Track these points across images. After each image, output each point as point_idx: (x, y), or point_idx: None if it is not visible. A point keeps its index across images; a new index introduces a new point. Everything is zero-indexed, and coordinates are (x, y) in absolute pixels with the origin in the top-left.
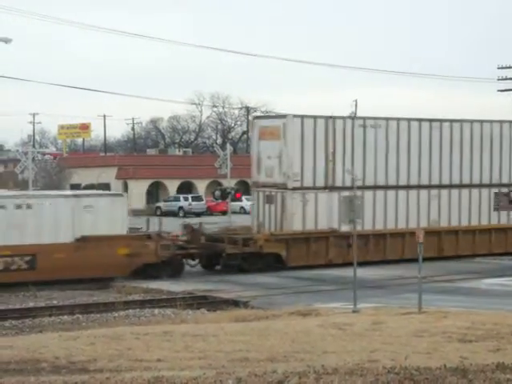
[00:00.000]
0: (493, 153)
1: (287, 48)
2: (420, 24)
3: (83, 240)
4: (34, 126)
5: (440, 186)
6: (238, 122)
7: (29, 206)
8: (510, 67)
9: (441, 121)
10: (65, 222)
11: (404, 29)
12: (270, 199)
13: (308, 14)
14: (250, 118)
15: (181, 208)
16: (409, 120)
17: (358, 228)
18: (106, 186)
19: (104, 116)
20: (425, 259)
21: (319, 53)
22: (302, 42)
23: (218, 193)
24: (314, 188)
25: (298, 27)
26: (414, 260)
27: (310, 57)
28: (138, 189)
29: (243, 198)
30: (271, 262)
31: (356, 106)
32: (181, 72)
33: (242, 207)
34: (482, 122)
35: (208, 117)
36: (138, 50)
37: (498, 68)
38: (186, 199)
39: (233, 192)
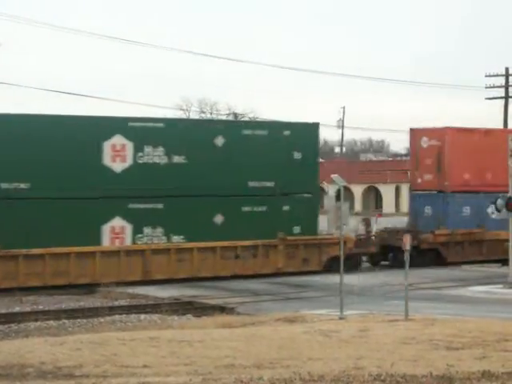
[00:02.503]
0: None
1: (275, 54)
2: (411, 32)
3: None
4: None
5: None
6: None
7: None
8: (497, 75)
9: None
10: None
11: (393, 34)
12: None
13: (297, 22)
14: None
15: None
16: None
17: None
18: None
19: None
20: None
21: (307, 59)
22: (291, 48)
23: None
24: None
25: (287, 34)
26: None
27: (298, 63)
28: None
29: None
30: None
31: (344, 113)
32: (168, 78)
33: None
34: None
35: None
36: (126, 55)
37: (486, 76)
38: None
39: None
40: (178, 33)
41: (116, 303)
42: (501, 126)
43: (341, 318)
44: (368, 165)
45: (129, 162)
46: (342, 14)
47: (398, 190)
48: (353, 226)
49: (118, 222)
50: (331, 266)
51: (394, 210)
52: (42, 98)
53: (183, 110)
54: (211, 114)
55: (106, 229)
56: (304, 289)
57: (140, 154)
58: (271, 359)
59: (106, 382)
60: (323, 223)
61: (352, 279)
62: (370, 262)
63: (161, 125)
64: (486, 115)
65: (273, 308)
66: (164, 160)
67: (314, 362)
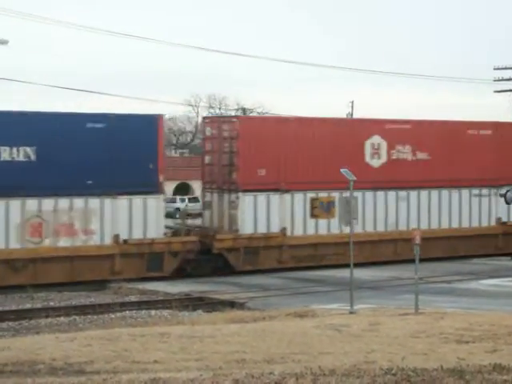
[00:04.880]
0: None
1: (284, 49)
2: (416, 24)
3: None
4: None
5: None
6: None
7: None
8: (506, 68)
9: None
10: None
11: (401, 28)
12: None
13: (305, 15)
14: None
15: (177, 209)
16: None
17: None
18: None
19: None
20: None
21: (316, 53)
22: (300, 43)
23: None
24: None
25: (294, 28)
26: (410, 261)
27: (306, 58)
28: None
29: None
30: None
31: (352, 106)
32: (177, 73)
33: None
34: None
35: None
36: (135, 51)
37: (495, 69)
38: (182, 200)
39: None
40: (186, 28)
41: (126, 299)
42: (509, 119)
43: (351, 313)
44: None
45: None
46: (350, 7)
47: None
48: None
49: None
50: None
51: None
52: (51, 95)
53: (192, 105)
54: (220, 109)
55: None
56: (314, 283)
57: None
58: (282, 354)
59: (117, 378)
60: None
61: None
62: None
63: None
64: (495, 108)
65: (283, 303)
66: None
67: (324, 357)
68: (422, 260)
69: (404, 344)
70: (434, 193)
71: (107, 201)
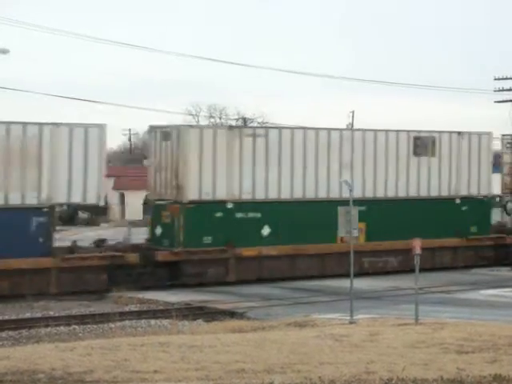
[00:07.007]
0: None
1: (285, 59)
2: (418, 34)
3: None
4: None
5: None
6: None
7: None
8: (506, 78)
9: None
10: None
11: (401, 39)
12: None
13: (307, 26)
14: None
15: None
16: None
17: None
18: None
19: None
20: None
21: (317, 64)
22: (300, 53)
23: None
24: None
25: (295, 38)
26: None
27: (308, 67)
28: (135, 200)
29: None
30: None
31: (353, 117)
32: (178, 82)
33: None
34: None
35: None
36: (135, 60)
37: (495, 79)
38: None
39: None
40: (187, 38)
41: (126, 309)
42: (510, 129)
43: (351, 323)
44: None
45: None
46: (352, 18)
47: None
48: None
49: None
50: None
51: None
52: (51, 104)
53: (193, 115)
54: (220, 119)
55: None
56: (314, 293)
57: None
58: (282, 364)
59: None
60: None
61: None
62: None
63: None
64: (495, 119)
65: (283, 313)
66: None
67: (324, 367)
68: None
69: (404, 354)
70: None
71: None
